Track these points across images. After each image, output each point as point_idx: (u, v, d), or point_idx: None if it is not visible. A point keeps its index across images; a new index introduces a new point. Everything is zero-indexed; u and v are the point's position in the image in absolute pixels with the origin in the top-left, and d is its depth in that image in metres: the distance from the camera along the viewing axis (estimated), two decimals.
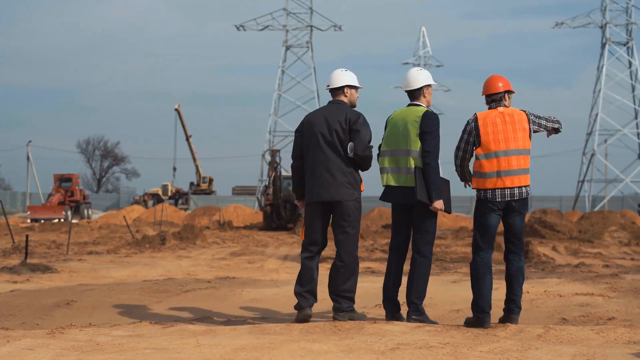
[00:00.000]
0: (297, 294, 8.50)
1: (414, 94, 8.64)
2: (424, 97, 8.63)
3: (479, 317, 8.05)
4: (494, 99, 8.39)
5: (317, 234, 8.55)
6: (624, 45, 75.81)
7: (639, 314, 9.33)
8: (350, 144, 8.35)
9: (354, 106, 8.73)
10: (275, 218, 40.95)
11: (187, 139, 78.50)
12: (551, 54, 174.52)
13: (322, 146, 8.47)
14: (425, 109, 8.50)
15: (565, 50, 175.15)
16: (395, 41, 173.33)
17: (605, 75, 74.79)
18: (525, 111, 8.34)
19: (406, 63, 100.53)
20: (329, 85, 8.72)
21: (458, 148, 8.37)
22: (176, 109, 76.67)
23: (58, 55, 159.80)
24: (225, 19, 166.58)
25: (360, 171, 8.59)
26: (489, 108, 8.37)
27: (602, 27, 76.30)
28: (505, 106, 8.37)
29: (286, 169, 45.51)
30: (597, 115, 74.49)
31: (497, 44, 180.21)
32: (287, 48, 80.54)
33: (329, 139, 8.44)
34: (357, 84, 8.73)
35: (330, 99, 8.78)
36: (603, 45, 75.92)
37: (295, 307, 8.52)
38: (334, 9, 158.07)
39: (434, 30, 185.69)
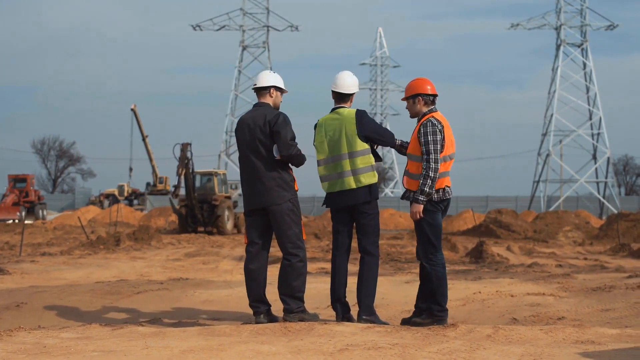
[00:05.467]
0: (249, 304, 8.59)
1: (345, 98, 8.70)
2: (351, 101, 8.78)
3: (441, 317, 8.16)
4: (434, 101, 8.50)
5: (255, 235, 8.59)
6: (579, 46, 76.59)
7: (589, 313, 9.39)
8: (274, 147, 8.37)
9: (278, 108, 8.73)
10: (191, 221, 36.96)
11: (144, 139, 77.90)
12: (506, 55, 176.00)
13: (249, 155, 8.51)
14: (354, 109, 8.60)
15: (520, 51, 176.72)
16: (352, 42, 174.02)
17: (560, 77, 75.60)
18: None
19: (363, 64, 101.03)
20: (255, 85, 8.70)
21: (439, 143, 8.21)
22: (132, 109, 76.09)
23: (12, 54, 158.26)
24: (181, 18, 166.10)
25: (294, 168, 8.64)
26: (430, 111, 8.42)
27: (557, 29, 77.06)
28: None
29: (231, 167, 43.00)
30: (552, 116, 75.22)
31: (453, 45, 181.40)
32: (244, 48, 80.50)
33: (254, 146, 8.46)
34: (283, 87, 8.75)
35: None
36: (558, 47, 76.67)
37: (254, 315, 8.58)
38: (290, 9, 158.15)
39: (391, 31, 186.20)
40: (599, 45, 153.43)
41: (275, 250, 16.12)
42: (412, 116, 8.56)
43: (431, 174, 8.08)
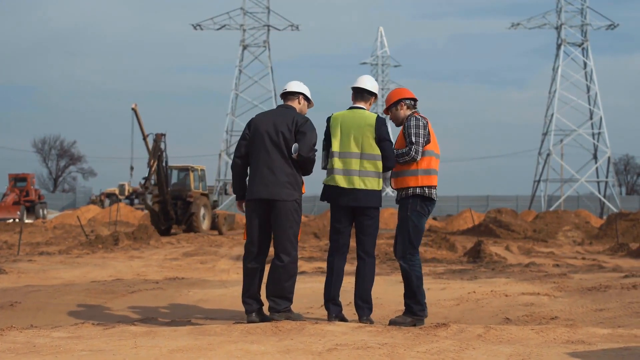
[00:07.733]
0: (242, 301, 8.57)
1: (366, 97, 8.75)
2: (370, 104, 8.82)
3: (420, 317, 8.25)
4: (415, 105, 8.74)
5: (257, 234, 8.56)
6: (579, 46, 76.57)
7: (583, 313, 9.38)
8: (294, 145, 8.39)
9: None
10: (164, 218, 34.47)
11: (144, 139, 77.63)
12: (507, 54, 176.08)
13: (267, 146, 8.48)
14: (374, 114, 8.66)
15: (520, 51, 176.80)
16: (353, 41, 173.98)
17: (561, 76, 75.59)
18: None
19: (364, 63, 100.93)
20: (285, 89, 8.81)
21: (423, 136, 8.37)
22: (133, 108, 75.80)
23: (13, 53, 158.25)
24: (182, 18, 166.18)
25: (302, 175, 8.65)
26: (412, 113, 8.61)
27: (558, 28, 77.04)
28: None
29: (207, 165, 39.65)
30: (552, 115, 75.21)
31: (453, 45, 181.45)
32: (245, 47, 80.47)
33: (275, 139, 8.46)
34: (311, 98, 8.89)
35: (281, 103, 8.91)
36: (558, 46, 76.67)
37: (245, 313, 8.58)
38: (291, 9, 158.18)
39: (392, 30, 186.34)
40: (599, 45, 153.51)
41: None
42: (398, 124, 8.74)
43: (412, 153, 8.31)
